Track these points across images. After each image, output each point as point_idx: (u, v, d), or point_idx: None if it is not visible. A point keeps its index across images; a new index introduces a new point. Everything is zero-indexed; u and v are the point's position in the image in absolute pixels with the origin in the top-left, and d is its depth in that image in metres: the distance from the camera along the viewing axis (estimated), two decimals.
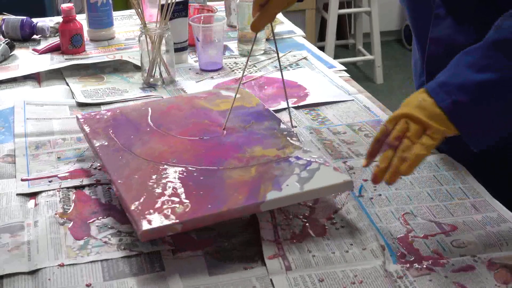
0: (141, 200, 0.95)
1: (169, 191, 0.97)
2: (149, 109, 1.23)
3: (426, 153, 0.90)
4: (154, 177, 1.01)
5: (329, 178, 0.98)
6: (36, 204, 1.03)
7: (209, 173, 1.01)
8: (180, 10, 1.55)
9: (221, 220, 0.94)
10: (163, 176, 1.01)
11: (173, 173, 1.01)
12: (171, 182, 0.99)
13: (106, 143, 1.11)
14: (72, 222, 0.98)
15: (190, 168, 1.03)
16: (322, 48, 2.80)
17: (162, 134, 1.14)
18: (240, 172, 1.01)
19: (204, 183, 0.99)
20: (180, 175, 1.01)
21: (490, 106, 0.92)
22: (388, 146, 0.92)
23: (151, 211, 0.92)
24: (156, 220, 0.90)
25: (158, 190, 0.97)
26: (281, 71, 1.16)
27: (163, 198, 0.95)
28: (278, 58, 1.21)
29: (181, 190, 0.97)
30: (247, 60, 1.20)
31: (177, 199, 0.94)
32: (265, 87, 1.46)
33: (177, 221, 0.90)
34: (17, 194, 1.06)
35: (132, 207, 0.93)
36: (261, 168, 1.02)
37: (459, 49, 0.98)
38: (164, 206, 0.93)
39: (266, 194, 0.94)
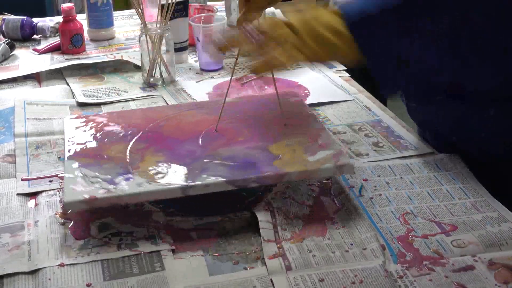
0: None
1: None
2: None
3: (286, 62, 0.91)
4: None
5: None
6: (36, 204, 1.03)
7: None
8: (180, 10, 1.55)
9: None
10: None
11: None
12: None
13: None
14: (72, 222, 0.98)
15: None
16: None
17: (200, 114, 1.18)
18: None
19: None
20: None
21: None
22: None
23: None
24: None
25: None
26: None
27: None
28: None
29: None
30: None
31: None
32: (265, 87, 1.46)
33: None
34: (17, 194, 1.06)
35: None
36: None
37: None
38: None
39: None
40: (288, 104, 1.20)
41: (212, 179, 0.97)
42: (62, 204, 1.01)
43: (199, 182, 0.97)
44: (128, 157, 1.05)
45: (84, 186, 0.96)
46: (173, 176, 0.99)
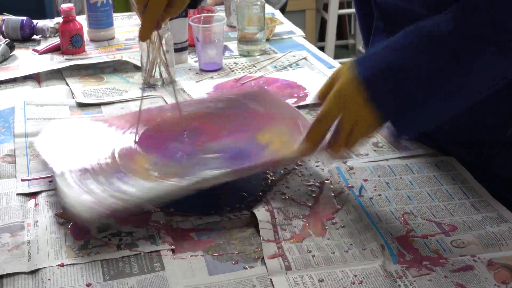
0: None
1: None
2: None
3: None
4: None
5: None
6: (36, 204, 1.03)
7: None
8: None
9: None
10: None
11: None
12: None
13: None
14: (72, 222, 0.98)
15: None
16: (322, 48, 2.80)
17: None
18: None
19: None
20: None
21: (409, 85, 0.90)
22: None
23: None
24: None
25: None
26: None
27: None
28: None
29: None
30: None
31: None
32: (265, 87, 1.46)
33: None
34: (17, 194, 1.06)
35: None
36: None
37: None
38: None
39: None
40: (261, 96, 1.22)
41: (217, 171, 0.97)
42: (79, 222, 0.94)
43: (209, 174, 0.96)
44: (118, 161, 1.02)
45: (94, 202, 0.93)
46: (177, 173, 0.98)
